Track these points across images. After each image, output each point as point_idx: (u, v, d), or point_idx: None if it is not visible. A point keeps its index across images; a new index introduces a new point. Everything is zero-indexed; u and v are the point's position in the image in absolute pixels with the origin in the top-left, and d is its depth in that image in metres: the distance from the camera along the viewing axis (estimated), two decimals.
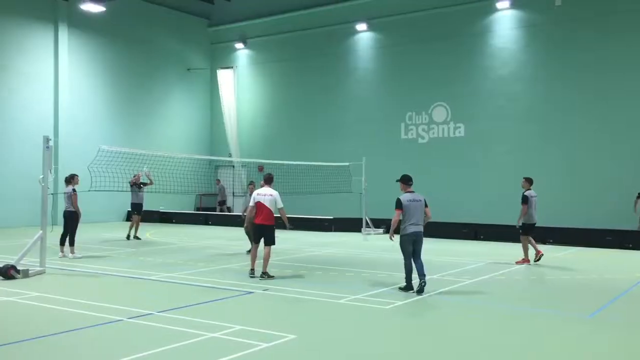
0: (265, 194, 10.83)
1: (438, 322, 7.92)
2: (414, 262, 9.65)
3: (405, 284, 9.70)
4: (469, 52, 22.18)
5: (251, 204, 11.00)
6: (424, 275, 9.51)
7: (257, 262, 11.05)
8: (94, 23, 24.09)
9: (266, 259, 10.83)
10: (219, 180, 26.18)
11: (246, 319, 7.65)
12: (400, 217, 9.63)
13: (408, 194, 9.80)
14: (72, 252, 13.52)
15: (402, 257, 9.75)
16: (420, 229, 9.68)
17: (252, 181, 15.18)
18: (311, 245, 16.74)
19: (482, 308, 8.70)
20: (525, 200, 12.90)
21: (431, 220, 10.07)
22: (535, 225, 13.17)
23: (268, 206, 10.74)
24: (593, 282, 11.08)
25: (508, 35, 21.59)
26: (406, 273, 9.69)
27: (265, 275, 10.77)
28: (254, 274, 10.89)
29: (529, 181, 13.25)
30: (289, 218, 11.76)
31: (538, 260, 13.03)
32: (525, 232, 13.00)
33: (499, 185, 21.25)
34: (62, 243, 13.63)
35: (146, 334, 7.00)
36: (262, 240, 10.91)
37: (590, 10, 19.94)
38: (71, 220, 13.51)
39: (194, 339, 6.68)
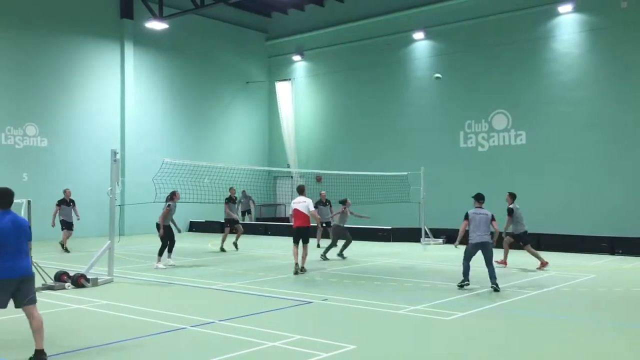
0: (300, 202, 12.69)
1: (501, 334, 7.72)
2: (487, 268, 10.80)
3: (462, 278, 10.84)
4: (530, 58, 21.66)
5: (291, 212, 12.97)
6: (495, 278, 10.68)
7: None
8: (158, 40, 24.95)
9: (304, 256, 12.66)
10: (244, 192, 25.62)
11: (305, 329, 7.70)
12: (468, 228, 10.97)
13: (476, 208, 11.13)
14: (158, 261, 13.72)
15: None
16: (486, 239, 10.82)
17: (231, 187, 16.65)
18: (370, 255, 16.67)
19: (547, 320, 8.44)
20: (511, 212, 13.76)
21: (499, 231, 11.51)
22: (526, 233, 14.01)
23: (304, 212, 12.55)
24: None
25: (571, 40, 20.97)
26: (464, 269, 10.88)
27: (303, 269, 12.56)
28: (297, 268, 12.56)
29: (512, 196, 14.09)
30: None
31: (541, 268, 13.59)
32: (524, 241, 13.87)
33: (563, 194, 20.61)
34: (160, 254, 13.85)
35: (208, 342, 7.16)
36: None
37: None
38: (165, 234, 13.72)
39: (254, 348, 6.79)
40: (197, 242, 20.58)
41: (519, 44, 21.82)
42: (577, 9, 20.77)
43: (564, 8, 20.88)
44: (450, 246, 18.64)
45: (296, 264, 12.56)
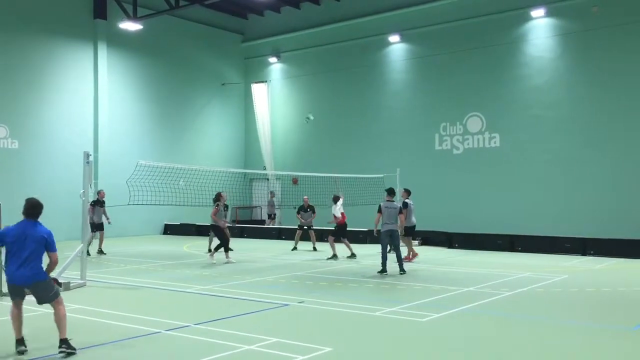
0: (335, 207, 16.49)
1: (476, 335, 7.78)
2: (394, 253, 12.88)
3: (381, 267, 12.72)
4: (504, 62, 21.94)
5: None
6: (402, 264, 12.86)
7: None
8: (132, 41, 24.68)
9: (347, 246, 16.23)
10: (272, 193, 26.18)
11: (282, 332, 7.67)
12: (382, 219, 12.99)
13: (387, 202, 13.06)
14: (227, 257, 15.10)
15: (377, 252, 13.31)
16: (394, 227, 12.85)
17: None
18: (346, 257, 16.65)
19: (521, 321, 8.53)
20: (405, 206, 15.07)
21: (404, 224, 13.87)
22: (415, 227, 15.81)
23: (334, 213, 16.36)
24: (637, 294, 10.77)
25: (543, 44, 21.29)
26: (382, 259, 12.81)
27: (353, 255, 16.00)
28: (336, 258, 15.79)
29: (407, 192, 15.94)
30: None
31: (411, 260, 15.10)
32: (407, 234, 15.26)
33: (536, 196, 20.89)
34: (212, 250, 15.55)
35: (183, 346, 7.08)
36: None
37: (629, 15, 19.52)
38: (216, 232, 15.40)
39: (230, 351, 6.73)
40: (172, 245, 20.38)
41: (493, 47, 22.09)
42: (549, 14, 21.10)
43: (537, 12, 21.20)
44: (426, 248, 18.89)
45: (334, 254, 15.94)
